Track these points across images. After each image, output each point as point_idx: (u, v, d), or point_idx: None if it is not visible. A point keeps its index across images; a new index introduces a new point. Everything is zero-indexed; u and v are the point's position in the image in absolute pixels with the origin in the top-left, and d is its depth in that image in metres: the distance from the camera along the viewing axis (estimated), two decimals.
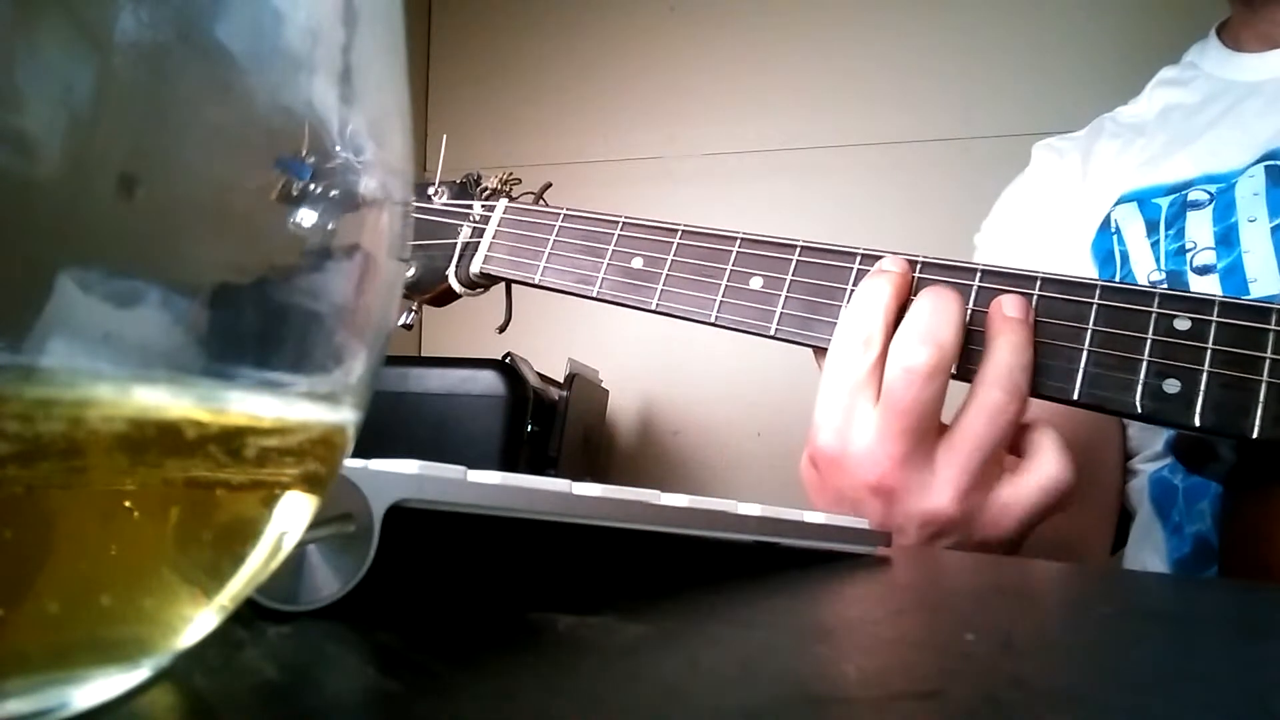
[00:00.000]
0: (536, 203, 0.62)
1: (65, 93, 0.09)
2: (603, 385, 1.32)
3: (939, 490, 0.41)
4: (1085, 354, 0.41)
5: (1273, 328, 0.38)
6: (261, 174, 0.11)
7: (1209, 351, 0.39)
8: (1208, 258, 0.58)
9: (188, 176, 0.11)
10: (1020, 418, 0.41)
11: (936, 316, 0.42)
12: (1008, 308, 0.42)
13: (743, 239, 0.51)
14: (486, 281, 0.62)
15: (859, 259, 0.47)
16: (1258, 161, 0.58)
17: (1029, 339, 0.41)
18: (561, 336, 1.29)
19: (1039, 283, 0.43)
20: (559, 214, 0.57)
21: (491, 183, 0.64)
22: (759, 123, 1.42)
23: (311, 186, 0.12)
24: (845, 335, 0.44)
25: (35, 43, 0.09)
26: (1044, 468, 0.42)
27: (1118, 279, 0.62)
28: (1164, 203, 0.61)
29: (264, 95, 0.11)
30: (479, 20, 1.63)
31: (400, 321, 0.65)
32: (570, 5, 1.56)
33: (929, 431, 0.41)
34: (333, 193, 0.12)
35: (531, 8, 1.59)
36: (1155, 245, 0.61)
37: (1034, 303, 0.42)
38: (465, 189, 0.65)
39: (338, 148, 0.12)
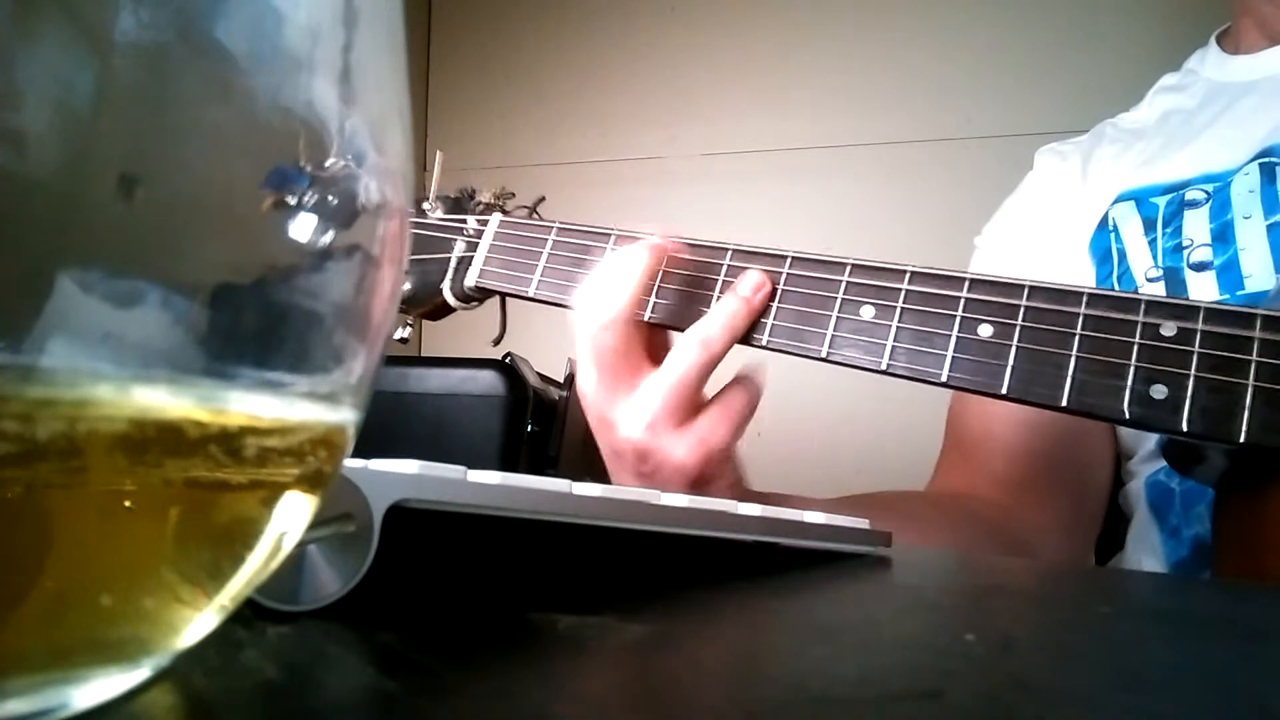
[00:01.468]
0: (530, 216, 0.63)
1: (65, 93, 0.09)
2: None
3: (635, 417, 0.47)
4: (1073, 361, 0.41)
5: (1257, 334, 0.38)
6: (261, 174, 0.11)
7: (1195, 356, 0.39)
8: (1204, 255, 0.58)
9: (188, 177, 0.11)
10: (710, 364, 0.47)
11: (610, 279, 0.49)
12: (739, 284, 0.49)
13: (734, 250, 0.51)
14: (481, 295, 0.62)
15: (848, 269, 0.47)
16: (1252, 159, 0.58)
17: (743, 308, 0.48)
18: (561, 336, 1.29)
19: (1026, 291, 0.43)
20: (552, 227, 0.58)
21: (485, 197, 0.65)
22: (759, 123, 1.42)
23: (311, 187, 0.12)
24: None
25: (35, 43, 0.09)
26: (702, 424, 0.47)
27: (1115, 276, 0.63)
28: (1161, 202, 0.62)
29: (264, 95, 0.11)
30: (479, 20, 1.63)
31: (396, 335, 0.66)
32: (571, 6, 1.56)
33: (621, 371, 0.48)
34: (332, 193, 0.12)
35: (532, 8, 1.59)
36: (1153, 243, 0.61)
37: (1021, 314, 0.43)
38: (460, 203, 0.65)
39: (337, 148, 0.12)
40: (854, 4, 1.39)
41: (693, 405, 0.47)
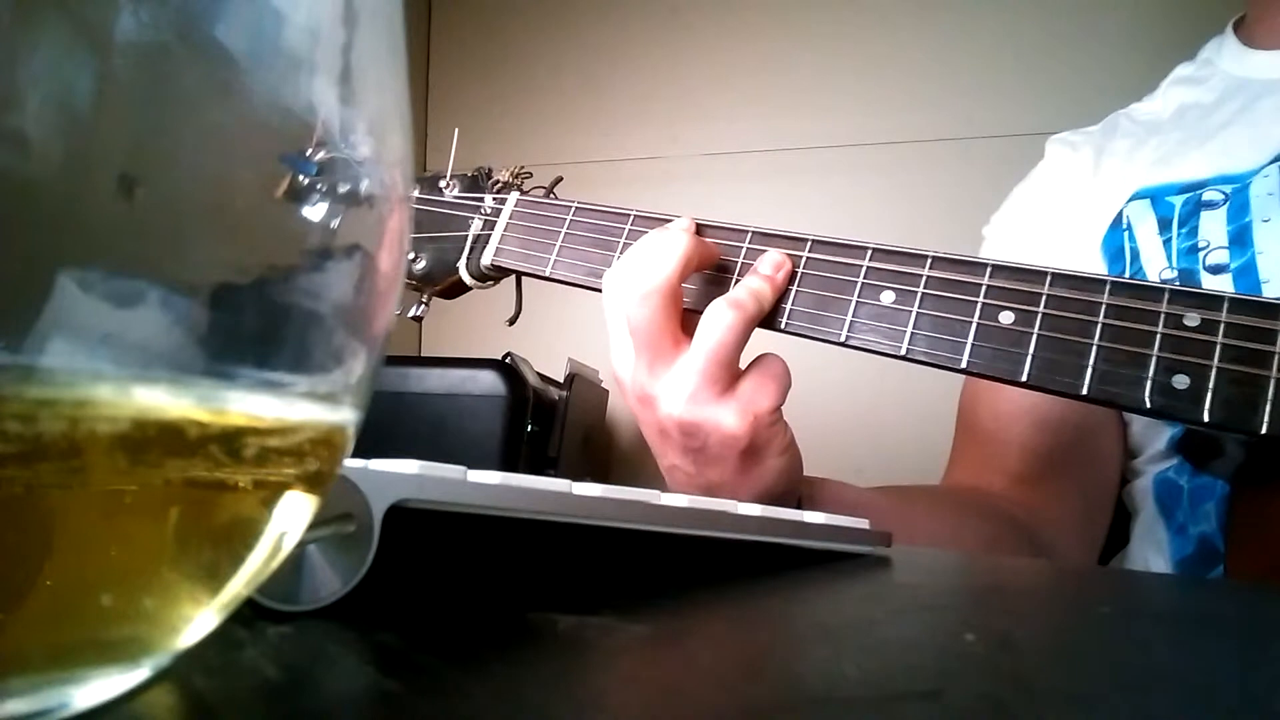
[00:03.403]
0: (548, 196, 0.62)
1: (65, 93, 0.09)
2: (603, 385, 1.32)
3: (677, 390, 0.46)
4: (1095, 349, 0.40)
5: None
6: (261, 174, 0.11)
7: (1218, 347, 0.38)
8: (1220, 257, 0.57)
9: (187, 176, 0.11)
10: (744, 326, 0.46)
11: (652, 252, 0.47)
12: (760, 263, 0.49)
13: (754, 233, 0.50)
14: (497, 274, 0.62)
15: (869, 254, 0.47)
16: (1272, 161, 0.57)
17: (766, 285, 0.47)
18: (561, 336, 1.29)
19: (1049, 279, 0.42)
20: (570, 207, 0.57)
21: (503, 176, 0.64)
22: (759, 123, 1.42)
23: (311, 187, 0.12)
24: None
25: (35, 43, 0.09)
26: (745, 390, 0.46)
27: (1127, 276, 0.62)
28: (1177, 201, 0.61)
29: (263, 95, 0.11)
30: (479, 20, 1.63)
31: (410, 313, 0.65)
32: (571, 6, 1.56)
33: (662, 344, 0.47)
34: (332, 193, 0.12)
35: (532, 8, 1.59)
36: (1167, 243, 0.60)
37: (1043, 301, 0.42)
38: (477, 182, 0.65)
39: (337, 148, 0.12)
40: (855, 4, 1.39)
41: (732, 373, 0.46)
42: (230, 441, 0.11)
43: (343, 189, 0.12)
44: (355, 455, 0.15)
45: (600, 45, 1.54)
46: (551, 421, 1.13)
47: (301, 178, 0.12)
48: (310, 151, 0.12)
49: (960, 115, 1.30)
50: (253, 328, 0.11)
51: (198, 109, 0.11)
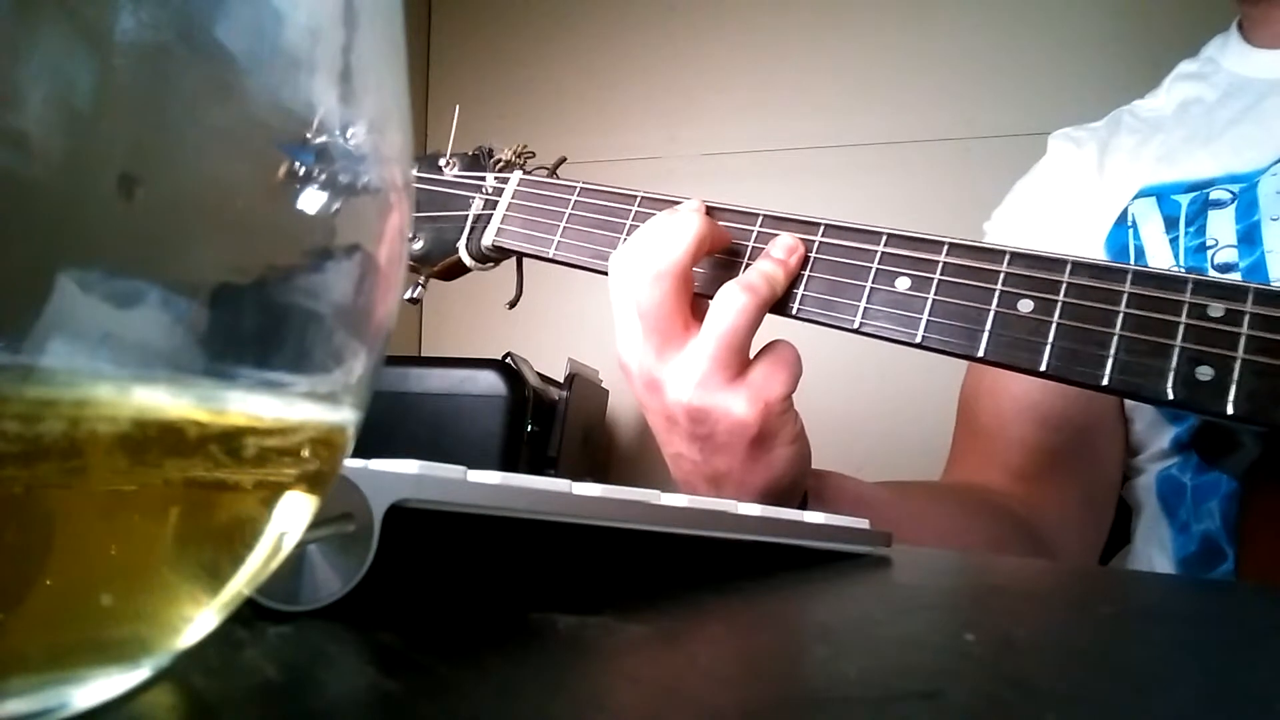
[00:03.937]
0: (551, 176, 0.61)
1: (65, 93, 0.09)
2: (603, 385, 1.32)
3: (686, 376, 0.45)
4: (1116, 340, 0.40)
5: None
6: (261, 174, 0.11)
7: (1243, 338, 0.37)
8: (1229, 256, 0.57)
9: (188, 176, 0.11)
10: (756, 310, 0.45)
11: (663, 232, 0.47)
12: (773, 247, 0.48)
13: (765, 216, 0.50)
14: (498, 255, 0.60)
15: (884, 239, 0.47)
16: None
17: (779, 269, 0.47)
18: (561, 336, 1.29)
19: (1069, 267, 0.41)
20: (575, 187, 0.56)
21: (505, 155, 0.63)
22: (759, 123, 1.42)
23: (311, 187, 0.12)
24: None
25: (36, 42, 0.09)
26: (755, 377, 0.46)
27: None
28: (1184, 200, 0.61)
29: (264, 95, 0.11)
30: (478, 20, 1.63)
31: (407, 295, 0.63)
32: (570, 6, 1.56)
33: (672, 328, 0.46)
34: (332, 193, 0.12)
35: (531, 8, 1.59)
36: (1174, 242, 0.60)
37: (1064, 290, 0.41)
38: (478, 161, 0.63)
39: (337, 148, 0.12)
40: (855, 4, 1.39)
41: (743, 359, 0.45)
42: (230, 441, 0.11)
43: (343, 189, 0.12)
44: (355, 455, 0.15)
45: (599, 45, 1.54)
46: (551, 421, 1.13)
47: (302, 177, 0.12)
48: (310, 150, 0.12)
49: (960, 115, 1.30)
50: (252, 328, 0.11)
51: (198, 109, 0.11)
